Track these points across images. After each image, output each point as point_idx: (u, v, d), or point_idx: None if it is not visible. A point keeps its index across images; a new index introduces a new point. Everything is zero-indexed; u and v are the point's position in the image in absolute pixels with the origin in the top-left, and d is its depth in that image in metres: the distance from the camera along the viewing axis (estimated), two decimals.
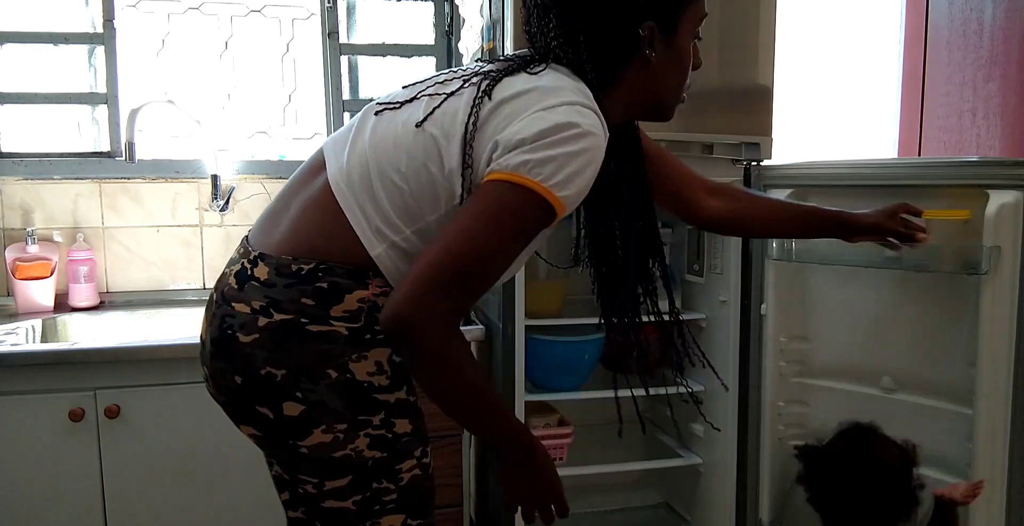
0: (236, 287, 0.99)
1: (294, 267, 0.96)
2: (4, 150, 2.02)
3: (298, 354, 0.95)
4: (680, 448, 1.93)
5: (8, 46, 2.02)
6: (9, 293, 1.93)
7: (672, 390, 1.39)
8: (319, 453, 0.97)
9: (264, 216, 1.07)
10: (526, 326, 1.65)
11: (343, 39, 2.17)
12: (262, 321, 0.95)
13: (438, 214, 0.97)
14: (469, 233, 0.89)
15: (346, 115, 2.20)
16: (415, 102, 1.02)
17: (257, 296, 0.96)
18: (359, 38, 2.21)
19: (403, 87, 1.09)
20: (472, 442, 1.79)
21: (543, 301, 1.76)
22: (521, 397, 1.65)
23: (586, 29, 1.01)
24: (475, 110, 0.95)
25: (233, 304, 0.98)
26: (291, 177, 1.09)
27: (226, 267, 1.05)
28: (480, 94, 0.97)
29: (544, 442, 1.74)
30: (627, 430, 1.31)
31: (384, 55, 2.22)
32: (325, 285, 0.95)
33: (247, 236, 1.06)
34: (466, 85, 1.00)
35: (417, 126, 0.98)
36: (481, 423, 1.00)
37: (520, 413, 1.66)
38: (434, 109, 0.99)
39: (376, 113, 1.04)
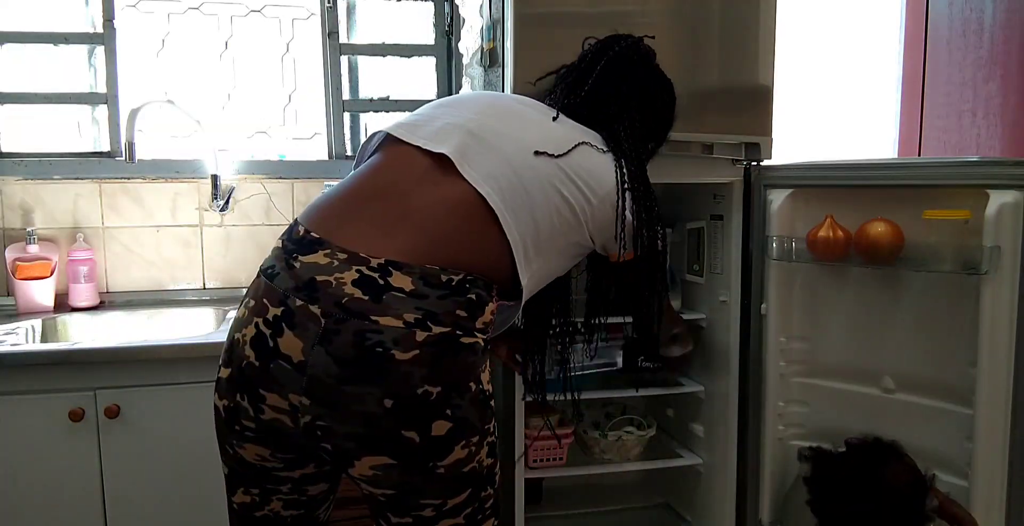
0: (367, 298, 0.89)
1: (443, 278, 0.93)
2: (4, 150, 2.03)
3: (452, 369, 0.92)
4: (680, 448, 1.93)
5: (8, 46, 2.02)
6: (9, 293, 1.93)
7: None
8: (454, 471, 0.94)
9: (354, 214, 0.98)
10: None
11: (343, 39, 2.17)
12: (420, 335, 0.89)
13: (562, 252, 1.11)
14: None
15: (346, 115, 2.20)
16: (556, 139, 1.09)
17: (406, 308, 0.89)
18: (359, 38, 2.21)
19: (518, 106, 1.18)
20: None
21: None
22: (521, 397, 1.65)
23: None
24: (621, 188, 1.11)
25: (373, 317, 0.88)
26: (375, 168, 1.05)
27: (310, 272, 0.91)
28: (623, 178, 1.11)
29: (544, 442, 1.76)
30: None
31: (384, 55, 2.22)
32: (474, 297, 0.95)
33: (323, 238, 0.94)
34: (605, 151, 1.13)
35: (570, 177, 1.07)
36: None
37: (520, 413, 1.66)
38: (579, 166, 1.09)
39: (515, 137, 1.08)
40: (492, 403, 1.00)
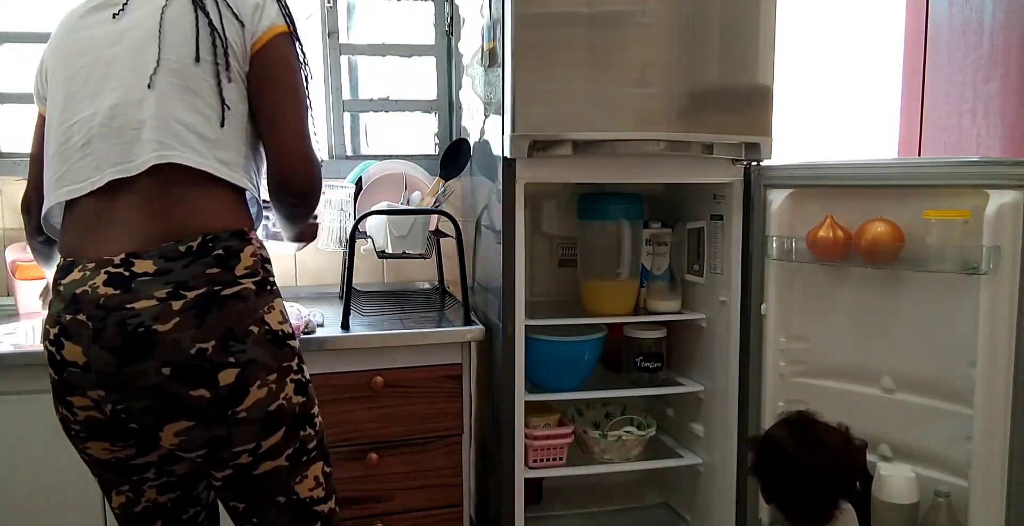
0: (119, 292, 0.97)
1: (182, 248, 0.99)
2: (4, 150, 2.02)
3: (221, 320, 0.99)
4: (680, 448, 1.93)
5: (8, 46, 2.02)
6: (9, 293, 1.93)
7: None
8: (257, 412, 1.01)
9: (91, 234, 1.04)
10: (526, 326, 1.65)
11: (343, 39, 2.17)
12: (176, 304, 0.97)
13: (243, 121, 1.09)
14: (303, 105, 1.12)
15: (346, 115, 2.20)
16: (143, 48, 1.05)
17: (155, 287, 0.97)
18: (359, 38, 2.21)
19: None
20: (472, 443, 1.79)
21: (620, 299, 1.84)
22: (521, 397, 1.65)
23: None
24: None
25: (128, 306, 0.96)
26: (80, 206, 1.06)
27: (71, 290, 1.00)
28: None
29: (544, 442, 1.76)
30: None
31: (384, 55, 2.22)
32: (221, 251, 1.01)
33: (74, 259, 1.02)
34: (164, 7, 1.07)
35: (180, 72, 1.04)
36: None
37: (520, 413, 1.66)
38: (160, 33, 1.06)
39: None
40: (290, 342, 1.06)
